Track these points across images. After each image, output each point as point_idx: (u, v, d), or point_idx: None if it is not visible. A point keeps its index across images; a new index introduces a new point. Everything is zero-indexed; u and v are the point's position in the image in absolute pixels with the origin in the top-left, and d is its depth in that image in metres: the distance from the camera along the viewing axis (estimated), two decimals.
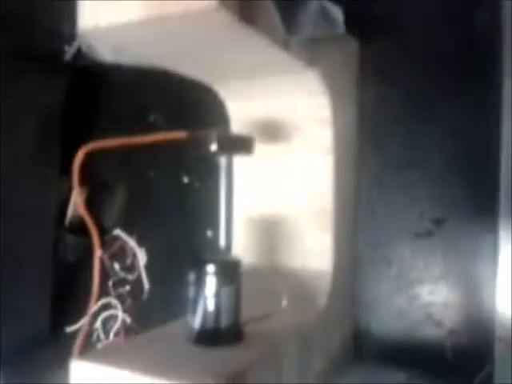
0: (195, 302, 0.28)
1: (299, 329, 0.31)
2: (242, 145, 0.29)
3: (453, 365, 0.36)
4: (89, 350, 0.48)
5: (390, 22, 0.39)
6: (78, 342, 0.32)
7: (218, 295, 0.27)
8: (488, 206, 0.36)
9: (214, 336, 0.27)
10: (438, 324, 0.37)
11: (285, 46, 0.27)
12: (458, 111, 0.37)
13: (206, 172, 0.46)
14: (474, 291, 0.36)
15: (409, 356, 0.38)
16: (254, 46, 0.26)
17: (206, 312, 0.27)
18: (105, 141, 0.26)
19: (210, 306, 0.27)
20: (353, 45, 0.38)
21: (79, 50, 0.50)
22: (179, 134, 0.27)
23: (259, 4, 0.25)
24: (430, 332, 0.37)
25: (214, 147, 0.27)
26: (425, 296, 0.37)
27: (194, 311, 0.28)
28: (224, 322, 0.27)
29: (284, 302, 0.29)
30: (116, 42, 0.26)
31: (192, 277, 0.28)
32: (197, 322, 0.27)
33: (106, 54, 0.26)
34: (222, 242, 0.29)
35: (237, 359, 0.25)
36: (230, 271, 0.28)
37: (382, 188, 0.39)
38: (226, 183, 0.30)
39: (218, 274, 0.27)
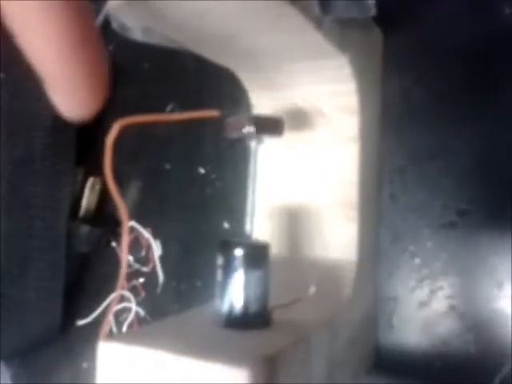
0: (223, 286, 0.27)
1: (327, 317, 0.30)
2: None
3: (477, 358, 0.36)
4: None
5: (414, 12, 0.39)
6: (103, 329, 0.31)
7: (247, 279, 0.27)
8: None
9: (243, 321, 0.27)
10: (462, 316, 0.36)
11: (318, 26, 0.27)
12: (484, 103, 0.37)
13: (223, 163, 0.45)
14: (499, 283, 0.36)
15: (431, 349, 0.37)
16: (289, 25, 0.25)
17: (234, 297, 0.27)
18: (139, 116, 0.26)
19: (239, 290, 0.27)
20: (377, 34, 0.38)
21: None
22: (212, 113, 0.26)
23: None
24: (453, 324, 0.37)
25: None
26: (448, 288, 0.37)
27: (223, 296, 0.27)
28: (253, 307, 0.27)
29: (312, 289, 0.29)
30: (147, 20, 0.26)
31: (220, 261, 0.28)
32: (225, 306, 0.27)
33: (136, 33, 0.26)
34: (248, 228, 0.29)
35: (268, 343, 0.25)
36: (259, 255, 0.27)
37: (406, 179, 0.39)
38: (254, 169, 0.30)
39: (246, 257, 0.27)
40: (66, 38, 0.17)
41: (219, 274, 0.27)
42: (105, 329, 0.31)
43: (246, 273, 0.27)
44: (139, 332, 0.26)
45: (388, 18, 0.38)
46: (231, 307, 0.27)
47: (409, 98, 0.39)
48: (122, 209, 0.20)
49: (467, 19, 0.38)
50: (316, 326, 0.29)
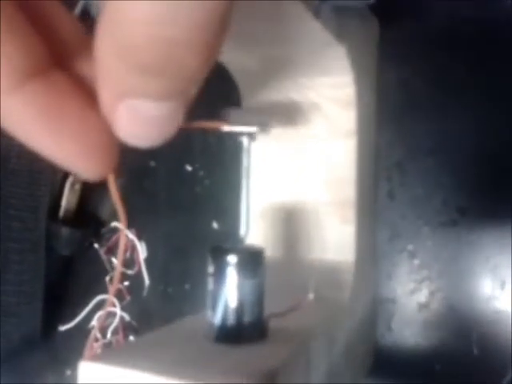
0: (215, 296, 0.25)
1: (325, 324, 0.28)
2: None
3: (479, 361, 0.35)
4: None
5: (411, 3, 0.37)
6: (90, 341, 0.29)
7: (240, 288, 0.25)
8: None
9: (237, 333, 0.25)
10: (463, 318, 0.35)
11: (316, 14, 0.25)
12: (482, 96, 0.36)
13: (211, 160, 0.43)
14: (501, 283, 0.34)
15: (431, 351, 0.36)
16: (285, 12, 0.23)
17: (227, 307, 0.25)
18: None
19: (232, 300, 0.25)
20: (374, 23, 0.36)
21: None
22: (222, 124, 0.24)
23: None
24: (454, 326, 0.35)
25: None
26: (448, 288, 0.35)
27: (214, 306, 0.25)
28: (247, 318, 0.25)
29: (310, 295, 0.27)
30: None
31: (211, 269, 0.25)
32: (217, 317, 0.25)
33: None
34: (243, 231, 0.27)
35: (266, 357, 0.23)
36: (254, 262, 0.25)
37: (403, 175, 0.37)
38: (247, 168, 0.27)
39: (240, 264, 0.25)
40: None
41: (210, 282, 0.25)
42: (91, 340, 0.28)
43: (240, 281, 0.25)
44: (124, 349, 0.24)
45: (384, 6, 0.36)
46: (224, 319, 0.25)
47: (406, 90, 0.37)
48: (122, 216, 0.18)
49: (466, 8, 0.36)
50: (315, 334, 0.27)
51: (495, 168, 0.35)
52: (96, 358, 0.23)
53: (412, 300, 0.36)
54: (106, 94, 0.14)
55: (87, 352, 0.27)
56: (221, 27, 0.13)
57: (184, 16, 0.12)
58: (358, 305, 0.34)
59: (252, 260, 0.25)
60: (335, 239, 0.33)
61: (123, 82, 0.13)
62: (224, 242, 0.27)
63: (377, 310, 0.37)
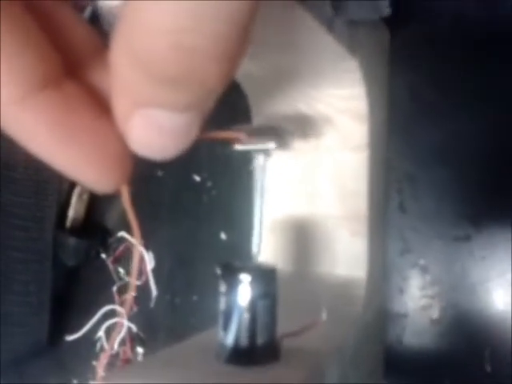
0: (227, 316, 0.25)
1: (338, 344, 0.28)
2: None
3: (492, 377, 0.34)
4: (92, 360, 0.45)
5: (420, 10, 0.37)
6: (104, 355, 0.29)
7: (253, 308, 0.24)
8: None
9: (250, 354, 0.24)
10: (476, 334, 0.34)
11: (330, 28, 0.24)
12: (495, 103, 0.35)
13: (219, 170, 0.43)
14: None
15: (444, 367, 0.35)
16: (297, 21, 0.23)
17: (239, 328, 0.24)
18: None
19: (245, 320, 0.24)
20: (385, 33, 0.35)
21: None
22: (237, 134, 0.24)
23: None
24: (466, 342, 0.35)
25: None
26: (462, 304, 0.35)
27: (226, 326, 0.25)
28: (260, 339, 0.24)
29: (324, 315, 0.27)
30: None
31: (223, 288, 0.25)
32: (229, 338, 0.24)
33: None
34: (255, 248, 0.26)
35: (279, 380, 0.22)
36: (267, 280, 0.25)
37: (415, 187, 0.36)
38: (261, 185, 0.27)
39: (254, 284, 0.24)
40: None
41: (222, 302, 0.25)
42: (106, 355, 0.28)
43: (254, 300, 0.24)
44: (133, 371, 0.24)
45: (394, 17, 0.36)
46: (236, 340, 0.24)
47: (417, 99, 0.37)
48: (136, 230, 0.18)
49: (476, 15, 0.36)
50: (328, 354, 0.26)
51: (510, 178, 0.34)
52: (105, 379, 0.22)
53: (424, 315, 0.36)
54: (120, 103, 0.14)
55: (100, 366, 0.27)
56: (244, 38, 0.12)
57: (208, 24, 0.11)
58: (368, 317, 0.34)
59: (266, 278, 0.25)
60: (346, 253, 0.33)
61: (139, 91, 0.13)
62: (234, 257, 0.26)
63: (388, 324, 0.36)
